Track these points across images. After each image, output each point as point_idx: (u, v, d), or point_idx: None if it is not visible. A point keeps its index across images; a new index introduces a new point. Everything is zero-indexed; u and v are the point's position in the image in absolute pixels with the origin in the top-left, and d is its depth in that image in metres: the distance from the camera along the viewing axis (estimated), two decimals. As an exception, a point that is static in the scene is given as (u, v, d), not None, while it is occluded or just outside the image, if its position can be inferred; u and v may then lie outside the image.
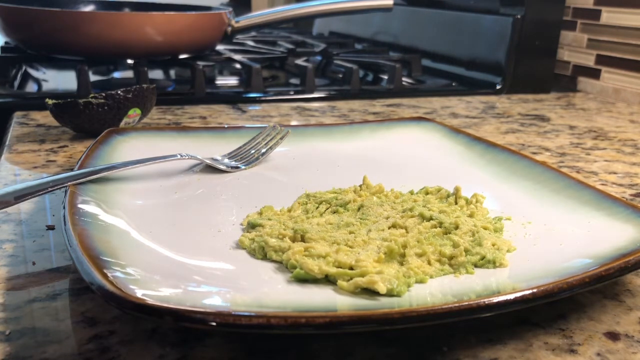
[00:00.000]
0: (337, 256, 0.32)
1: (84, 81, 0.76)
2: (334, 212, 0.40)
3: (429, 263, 0.33)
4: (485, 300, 0.26)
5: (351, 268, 0.31)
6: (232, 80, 0.97)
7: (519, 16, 0.91)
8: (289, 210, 0.41)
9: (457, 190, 0.43)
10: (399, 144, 0.56)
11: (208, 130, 0.55)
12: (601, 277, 0.29)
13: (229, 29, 0.93)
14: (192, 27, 0.86)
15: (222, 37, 0.93)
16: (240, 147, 0.52)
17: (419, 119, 0.60)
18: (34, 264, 0.34)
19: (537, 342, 0.28)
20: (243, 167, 0.50)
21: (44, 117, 0.67)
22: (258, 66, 0.86)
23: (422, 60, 1.05)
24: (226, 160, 0.50)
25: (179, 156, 0.46)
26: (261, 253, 0.34)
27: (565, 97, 0.96)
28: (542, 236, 0.37)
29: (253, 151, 0.52)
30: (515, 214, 0.41)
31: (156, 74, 1.01)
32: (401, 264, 0.33)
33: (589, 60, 0.99)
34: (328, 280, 0.31)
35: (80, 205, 0.35)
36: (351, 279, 0.30)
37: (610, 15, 0.93)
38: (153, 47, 0.82)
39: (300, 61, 1.00)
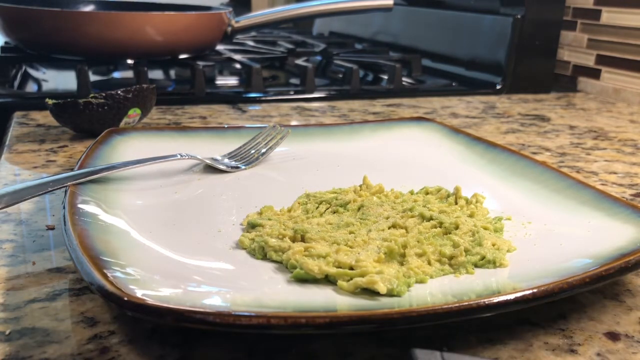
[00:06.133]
0: (337, 256, 0.32)
1: (84, 81, 0.76)
2: (334, 212, 0.40)
3: (429, 263, 0.33)
4: (485, 300, 0.26)
5: (351, 268, 0.31)
6: (232, 80, 0.97)
7: (519, 16, 0.91)
8: (289, 210, 0.41)
9: (457, 190, 0.43)
10: (399, 144, 0.56)
11: (208, 130, 0.55)
12: (601, 277, 0.29)
13: (229, 29, 0.93)
14: (192, 27, 0.86)
15: (222, 37, 0.93)
16: (240, 147, 0.52)
17: (419, 119, 0.60)
18: (34, 264, 0.34)
19: (537, 342, 0.28)
20: (243, 167, 0.50)
21: (44, 117, 0.67)
22: (258, 66, 0.86)
23: (422, 60, 1.05)
24: (226, 160, 0.50)
25: (179, 156, 0.46)
26: (261, 253, 0.34)
27: (565, 97, 0.96)
28: (542, 236, 0.37)
29: (253, 151, 0.52)
30: (515, 214, 0.41)
31: (156, 74, 1.01)
32: (401, 264, 0.33)
33: (589, 60, 0.99)
34: (328, 280, 0.31)
35: (80, 205, 0.35)
36: (351, 279, 0.30)
37: (610, 15, 0.93)
38: (153, 47, 0.82)
39: (300, 61, 1.00)
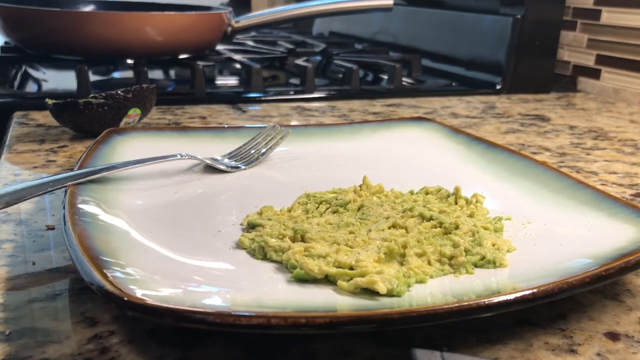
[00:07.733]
0: (337, 256, 0.32)
1: (83, 81, 0.76)
2: (334, 212, 0.40)
3: (429, 263, 0.33)
4: (485, 300, 0.26)
5: (351, 268, 0.31)
6: (232, 80, 0.97)
7: (519, 16, 0.91)
8: (289, 210, 0.41)
9: (457, 190, 0.43)
10: (399, 144, 0.56)
11: (208, 130, 0.55)
12: (601, 277, 0.29)
13: (229, 29, 0.93)
14: (192, 27, 0.86)
15: (222, 37, 0.93)
16: (240, 147, 0.52)
17: (419, 119, 0.60)
18: (34, 264, 0.34)
19: (537, 342, 0.28)
20: (243, 167, 0.50)
21: (44, 117, 0.67)
22: (258, 66, 0.86)
23: (422, 60, 1.05)
24: (226, 160, 0.50)
25: (179, 156, 0.46)
26: (261, 253, 0.34)
27: (565, 97, 0.96)
28: (542, 236, 0.37)
29: (253, 151, 0.52)
30: (515, 214, 0.41)
31: (156, 74, 1.01)
32: (401, 264, 0.33)
33: (589, 60, 0.99)
34: (328, 280, 0.31)
35: (80, 205, 0.35)
36: (351, 279, 0.30)
37: (610, 15, 0.93)
38: (153, 47, 0.82)
39: (300, 61, 1.00)
